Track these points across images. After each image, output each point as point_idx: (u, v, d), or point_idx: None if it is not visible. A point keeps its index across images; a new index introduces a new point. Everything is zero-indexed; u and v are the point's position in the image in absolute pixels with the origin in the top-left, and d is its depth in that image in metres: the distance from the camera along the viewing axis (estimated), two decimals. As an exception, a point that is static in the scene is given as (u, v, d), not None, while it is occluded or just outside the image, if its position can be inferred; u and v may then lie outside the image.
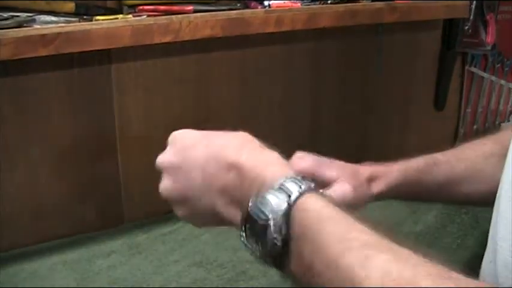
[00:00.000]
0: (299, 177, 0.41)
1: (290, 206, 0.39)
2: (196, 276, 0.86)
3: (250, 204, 0.40)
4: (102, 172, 0.96)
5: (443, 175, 0.65)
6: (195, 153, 0.49)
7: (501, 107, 1.43)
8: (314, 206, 0.39)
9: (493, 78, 1.38)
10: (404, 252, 0.35)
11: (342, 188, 0.58)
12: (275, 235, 0.38)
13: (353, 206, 0.56)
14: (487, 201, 0.55)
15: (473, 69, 1.35)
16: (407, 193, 0.65)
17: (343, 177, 0.59)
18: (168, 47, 0.92)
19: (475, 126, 1.42)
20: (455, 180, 0.65)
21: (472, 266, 0.89)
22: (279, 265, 0.40)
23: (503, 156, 0.52)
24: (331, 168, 0.60)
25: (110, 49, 0.87)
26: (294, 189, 0.39)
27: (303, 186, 0.40)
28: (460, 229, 0.99)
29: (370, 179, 0.62)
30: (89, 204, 0.96)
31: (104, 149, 0.95)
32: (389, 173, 0.63)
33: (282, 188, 0.40)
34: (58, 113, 0.89)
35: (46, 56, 0.77)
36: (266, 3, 0.97)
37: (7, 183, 0.88)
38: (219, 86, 1.03)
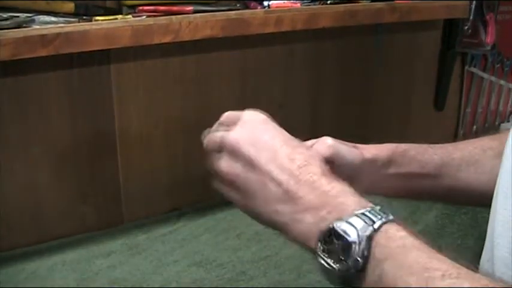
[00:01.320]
0: (379, 209, 0.43)
1: (375, 231, 0.41)
2: (196, 276, 0.86)
3: (335, 221, 0.42)
4: (102, 172, 0.96)
5: (439, 157, 0.64)
6: (265, 156, 0.50)
7: (501, 107, 1.43)
8: (397, 234, 0.41)
9: (493, 78, 1.38)
10: (483, 281, 0.37)
11: (321, 142, 0.60)
12: (357, 256, 0.40)
13: (348, 172, 0.57)
14: (488, 195, 0.54)
15: (473, 69, 1.35)
16: (403, 175, 0.63)
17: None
18: (168, 47, 0.92)
19: (474, 127, 1.42)
20: (452, 165, 0.64)
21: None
22: (347, 284, 0.42)
23: (501, 152, 0.52)
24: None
25: (109, 49, 0.87)
26: (377, 217, 0.42)
27: (383, 217, 0.42)
28: (460, 229, 0.99)
29: (358, 147, 0.63)
30: (88, 204, 0.96)
31: (103, 149, 0.95)
32: (378, 145, 0.64)
33: (365, 215, 0.42)
34: (58, 113, 0.89)
35: (46, 56, 0.77)
36: (266, 3, 0.97)
37: (7, 183, 0.88)
38: (219, 86, 1.03)
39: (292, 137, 0.53)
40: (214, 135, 0.56)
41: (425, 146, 0.65)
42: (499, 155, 0.53)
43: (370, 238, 0.41)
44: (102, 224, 0.98)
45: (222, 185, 0.54)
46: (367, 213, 0.42)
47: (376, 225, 0.41)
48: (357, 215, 0.42)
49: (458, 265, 0.39)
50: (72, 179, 0.94)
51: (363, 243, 0.40)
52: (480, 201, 0.60)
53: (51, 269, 0.87)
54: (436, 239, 0.97)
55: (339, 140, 0.62)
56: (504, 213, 0.48)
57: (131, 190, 0.99)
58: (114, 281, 0.84)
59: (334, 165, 0.56)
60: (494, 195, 0.51)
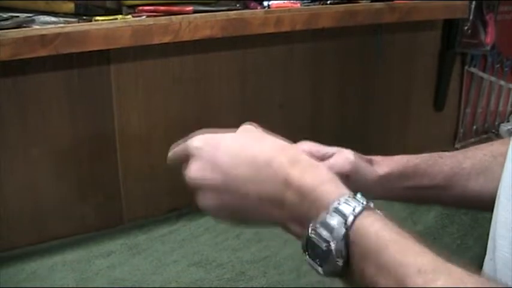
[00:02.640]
0: (351, 197, 0.43)
1: (347, 230, 0.41)
2: (196, 276, 0.86)
3: (310, 230, 0.43)
4: (102, 172, 0.96)
5: (449, 168, 0.64)
6: (240, 169, 0.49)
7: (500, 107, 1.43)
8: (372, 229, 0.41)
9: (493, 78, 1.38)
10: (458, 273, 0.38)
11: (343, 156, 0.60)
12: (337, 259, 0.42)
13: (361, 187, 0.57)
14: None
15: (472, 69, 1.35)
16: (414, 188, 0.63)
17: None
18: (168, 47, 0.92)
19: (474, 127, 1.42)
20: (462, 175, 0.63)
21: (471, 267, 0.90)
22: (343, 279, 0.43)
23: None
24: (333, 148, 0.63)
25: (109, 49, 0.87)
26: (348, 211, 0.42)
27: (357, 208, 0.42)
28: (460, 229, 0.99)
29: (372, 162, 0.63)
30: (88, 204, 0.96)
31: (103, 149, 0.95)
32: (390, 158, 0.64)
33: (337, 210, 0.42)
34: (58, 113, 0.89)
35: (45, 56, 0.77)
36: (266, 3, 0.97)
37: (7, 183, 0.88)
38: (219, 86, 1.03)
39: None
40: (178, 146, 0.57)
41: (435, 156, 0.65)
42: None
43: (345, 237, 0.41)
44: (102, 224, 0.98)
45: (197, 192, 0.55)
46: (340, 207, 0.42)
47: (349, 221, 0.41)
48: (329, 215, 0.42)
49: (434, 256, 0.39)
50: (72, 179, 0.94)
51: (339, 244, 0.41)
52: (490, 206, 0.59)
53: (51, 269, 0.87)
54: (436, 239, 0.97)
55: (358, 154, 0.62)
56: (506, 214, 0.48)
57: (131, 190, 0.99)
58: (114, 281, 0.84)
59: (349, 179, 0.57)
60: (497, 196, 0.51)
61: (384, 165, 0.63)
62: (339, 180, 0.47)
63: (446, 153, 0.65)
